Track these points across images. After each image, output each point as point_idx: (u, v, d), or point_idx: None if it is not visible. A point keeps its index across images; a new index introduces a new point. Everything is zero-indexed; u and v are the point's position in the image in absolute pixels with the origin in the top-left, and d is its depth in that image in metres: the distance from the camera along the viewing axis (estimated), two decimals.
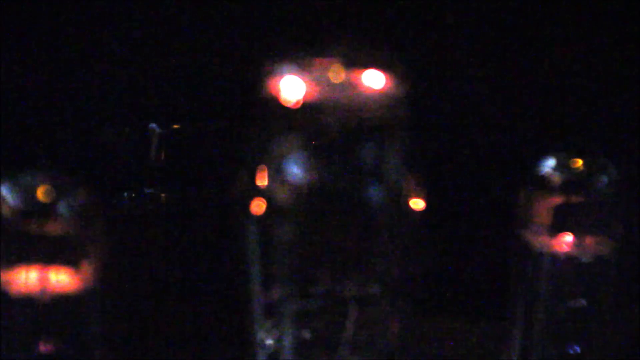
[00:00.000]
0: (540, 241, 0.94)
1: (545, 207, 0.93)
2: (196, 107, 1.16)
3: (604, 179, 0.93)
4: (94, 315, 0.81)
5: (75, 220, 0.78)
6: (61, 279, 0.79)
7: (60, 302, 0.79)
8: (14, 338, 0.78)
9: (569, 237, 0.94)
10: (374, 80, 0.82)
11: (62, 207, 0.78)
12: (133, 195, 1.15)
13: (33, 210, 0.78)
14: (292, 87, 0.81)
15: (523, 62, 1.21)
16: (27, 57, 1.09)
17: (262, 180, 0.83)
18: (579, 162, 0.93)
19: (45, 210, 0.78)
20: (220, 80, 1.14)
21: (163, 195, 1.16)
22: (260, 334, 0.87)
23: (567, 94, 1.21)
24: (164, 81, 1.15)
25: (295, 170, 0.82)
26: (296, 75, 0.81)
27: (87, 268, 0.80)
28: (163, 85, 1.15)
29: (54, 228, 0.78)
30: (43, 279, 0.78)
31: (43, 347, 0.79)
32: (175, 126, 1.16)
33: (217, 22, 1.13)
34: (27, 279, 0.78)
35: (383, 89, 0.82)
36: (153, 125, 1.16)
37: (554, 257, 0.93)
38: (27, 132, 1.10)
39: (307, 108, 0.80)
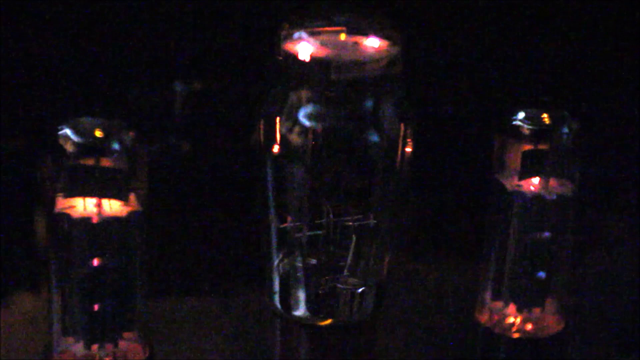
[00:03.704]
0: (512, 182, 1.01)
1: (517, 153, 1.00)
2: (220, 66, 1.22)
3: (566, 130, 1.00)
4: (139, 236, 0.91)
5: (123, 157, 0.89)
6: (112, 205, 0.89)
7: (111, 225, 0.89)
8: (73, 255, 0.89)
9: (536, 180, 1.01)
10: (372, 43, 0.91)
11: (113, 146, 0.88)
12: (160, 145, 1.23)
13: (90, 148, 0.88)
14: (305, 50, 0.89)
15: (502, 32, 1.27)
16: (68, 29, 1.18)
17: (279, 127, 0.91)
18: (545, 115, 1.00)
19: (100, 148, 0.88)
20: (243, 44, 1.20)
21: (186, 145, 1.24)
22: (275, 261, 0.96)
23: (538, 59, 1.27)
24: (192, 44, 1.21)
25: (306, 119, 0.90)
26: (308, 40, 0.90)
27: (133, 197, 0.90)
28: (190, 47, 1.21)
29: (107, 163, 0.88)
30: (98, 205, 0.89)
31: (97, 262, 0.89)
32: (198, 84, 1.23)
33: None
34: (84, 204, 0.89)
35: (380, 51, 0.90)
36: (178, 84, 1.23)
37: (524, 197, 1.00)
38: (83, 86, 1.17)
39: (317, 67, 0.89)
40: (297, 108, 0.90)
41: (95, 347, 0.92)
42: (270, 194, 0.94)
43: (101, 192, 0.88)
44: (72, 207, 0.89)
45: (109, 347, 0.92)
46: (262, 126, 0.93)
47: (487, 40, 1.26)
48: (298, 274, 0.95)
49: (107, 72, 1.19)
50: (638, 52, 1.29)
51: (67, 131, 0.88)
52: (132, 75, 1.21)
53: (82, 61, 1.18)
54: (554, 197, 1.01)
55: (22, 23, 1.15)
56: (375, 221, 0.94)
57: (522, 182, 1.01)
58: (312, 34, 0.91)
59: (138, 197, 0.91)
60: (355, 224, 0.94)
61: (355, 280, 0.95)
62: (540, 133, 1.00)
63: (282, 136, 0.91)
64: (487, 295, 1.05)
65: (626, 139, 1.31)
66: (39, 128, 0.92)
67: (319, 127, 0.90)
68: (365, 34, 0.92)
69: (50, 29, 1.16)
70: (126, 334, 0.93)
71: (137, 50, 1.20)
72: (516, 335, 1.03)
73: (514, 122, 1.00)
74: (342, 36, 0.91)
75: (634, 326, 1.14)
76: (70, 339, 0.92)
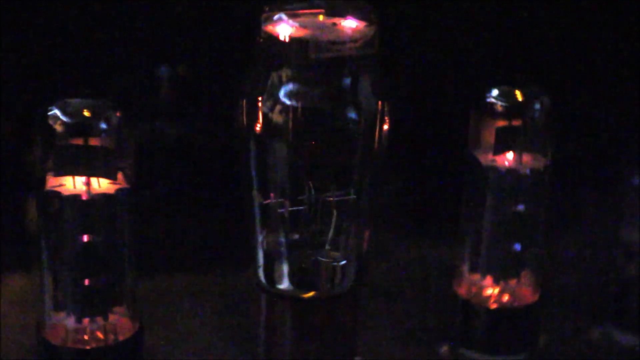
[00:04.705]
0: (487, 158, 1.03)
1: (491, 129, 1.02)
2: (201, 49, 1.23)
3: (538, 106, 1.02)
4: (127, 212, 0.93)
5: (111, 136, 0.91)
6: (101, 182, 0.91)
7: (100, 202, 0.91)
8: (64, 232, 0.91)
9: (510, 154, 1.03)
10: (350, 24, 0.93)
11: (101, 126, 0.90)
12: (147, 126, 1.24)
13: (79, 127, 0.90)
14: (284, 31, 0.91)
15: (476, 13, 1.27)
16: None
17: (260, 106, 0.92)
18: (518, 92, 1.02)
19: (89, 128, 0.90)
20: (224, 26, 1.20)
21: (172, 125, 1.24)
22: (259, 236, 0.97)
23: (510, 37, 1.28)
24: (173, 28, 1.22)
25: (287, 98, 0.91)
26: (288, 21, 0.92)
27: (120, 174, 0.92)
28: (172, 31, 1.22)
29: (95, 142, 0.90)
30: (87, 183, 0.91)
31: (86, 238, 0.92)
32: (182, 68, 1.24)
33: None
34: (74, 182, 0.91)
35: (357, 31, 0.92)
36: (162, 67, 1.24)
37: (498, 171, 1.03)
38: (72, 67, 1.18)
39: (297, 47, 0.90)
40: (278, 87, 0.92)
41: (86, 321, 0.94)
42: (253, 171, 0.96)
43: (90, 170, 0.91)
44: (62, 185, 0.91)
45: (100, 320, 0.94)
46: (244, 106, 0.95)
47: (464, 19, 1.28)
48: (281, 249, 0.97)
49: (94, 56, 1.20)
50: (615, 30, 1.31)
51: (56, 111, 0.90)
52: (118, 59, 1.22)
53: (70, 44, 1.19)
54: (528, 171, 1.03)
55: (11, 7, 1.17)
56: (355, 196, 0.96)
57: (497, 157, 1.03)
58: (291, 15, 0.93)
59: (126, 175, 0.93)
60: (336, 199, 0.95)
61: (337, 253, 0.97)
62: (513, 109, 1.02)
63: (263, 115, 0.93)
64: (465, 268, 1.07)
65: (600, 115, 1.33)
66: (28, 109, 0.93)
67: (299, 105, 0.92)
68: (343, 15, 0.93)
69: (39, 13, 1.18)
70: (116, 308, 0.95)
71: (123, 34, 1.21)
72: (493, 306, 1.06)
73: (488, 99, 1.03)
74: (321, 17, 0.93)
75: (606, 297, 1.17)
76: (62, 314, 0.94)
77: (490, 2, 1.27)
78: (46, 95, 0.93)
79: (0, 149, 1.19)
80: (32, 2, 1.17)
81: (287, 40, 0.91)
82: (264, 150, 0.95)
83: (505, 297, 1.06)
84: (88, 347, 0.94)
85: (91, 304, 0.94)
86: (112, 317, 0.95)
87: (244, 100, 0.95)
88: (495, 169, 1.03)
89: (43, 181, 0.92)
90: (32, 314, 1.00)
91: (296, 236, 0.97)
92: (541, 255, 1.07)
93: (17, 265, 1.17)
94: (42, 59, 1.18)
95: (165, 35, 1.22)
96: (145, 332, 0.98)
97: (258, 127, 0.94)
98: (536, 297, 1.07)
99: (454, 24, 1.28)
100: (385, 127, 0.96)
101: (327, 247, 0.97)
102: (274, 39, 0.92)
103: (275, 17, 0.93)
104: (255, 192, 0.97)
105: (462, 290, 1.07)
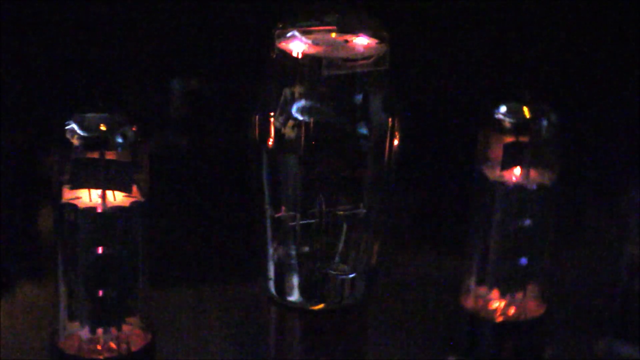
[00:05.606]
0: (495, 173, 1.05)
1: (499, 145, 1.04)
2: (214, 63, 1.24)
3: (545, 122, 1.04)
4: (141, 225, 0.94)
5: (127, 150, 0.92)
6: (116, 195, 0.93)
7: (115, 214, 0.92)
8: (79, 243, 0.92)
9: (517, 170, 1.05)
10: (361, 42, 0.94)
11: (117, 140, 0.92)
12: (159, 140, 1.24)
13: (96, 141, 0.91)
14: (297, 47, 0.92)
15: (487, 26, 1.29)
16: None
17: (272, 122, 0.93)
18: (526, 109, 1.04)
19: (105, 142, 0.91)
20: (237, 41, 1.22)
21: (184, 140, 1.25)
22: (270, 249, 0.98)
23: (517, 55, 1.29)
24: (186, 42, 1.23)
25: (299, 113, 0.92)
26: (301, 38, 0.93)
27: (135, 188, 0.94)
28: (185, 45, 1.23)
29: (111, 156, 0.91)
30: (102, 196, 0.92)
31: (101, 250, 0.93)
32: (195, 82, 1.25)
33: None
34: (90, 195, 0.92)
35: (369, 48, 0.93)
36: (175, 81, 1.25)
37: (505, 186, 1.04)
38: (87, 79, 1.19)
39: (309, 64, 0.91)
40: (290, 103, 0.93)
41: (100, 331, 0.95)
42: (265, 185, 0.97)
43: (105, 184, 0.92)
44: (78, 197, 0.92)
45: (113, 331, 0.95)
46: (257, 121, 0.96)
47: (472, 35, 1.29)
48: (292, 261, 0.97)
49: (107, 70, 1.21)
50: (621, 45, 1.31)
51: (74, 126, 0.91)
52: (130, 73, 1.23)
53: (85, 57, 1.20)
54: (534, 186, 1.04)
55: (25, 22, 1.17)
56: (365, 210, 0.96)
57: (504, 173, 1.05)
58: (304, 32, 0.94)
59: (140, 188, 0.94)
60: (346, 213, 0.96)
61: (346, 266, 0.97)
62: (520, 126, 1.03)
63: (275, 130, 0.94)
64: (472, 282, 1.08)
65: (607, 130, 1.34)
66: (44, 123, 0.94)
67: (311, 120, 0.93)
68: (355, 32, 0.94)
69: (53, 27, 1.19)
70: (129, 319, 0.96)
71: (136, 48, 1.22)
72: (500, 319, 1.07)
73: (496, 116, 1.04)
74: (333, 35, 0.94)
75: (611, 310, 1.18)
76: (76, 324, 0.95)
77: (500, 19, 1.29)
78: (60, 109, 0.93)
79: (14, 160, 1.20)
80: (46, 16, 1.18)
81: (299, 56, 0.92)
82: (275, 164, 0.95)
83: (512, 311, 1.07)
84: (101, 357, 0.95)
85: (105, 315, 0.95)
86: (125, 328, 0.96)
87: (257, 115, 0.96)
88: (502, 184, 1.04)
89: (59, 194, 0.93)
90: (45, 323, 1.01)
91: (306, 249, 0.97)
92: (547, 269, 1.08)
93: (30, 275, 1.18)
94: (56, 71, 1.19)
95: (178, 49, 1.23)
96: (158, 343, 0.99)
97: (270, 142, 0.95)
98: (542, 311, 1.08)
99: (463, 39, 1.29)
100: (396, 142, 0.97)
101: (336, 260, 0.97)
102: (286, 55, 0.93)
103: (289, 33, 0.94)
104: (266, 205, 0.97)
105: (468, 304, 1.08)
